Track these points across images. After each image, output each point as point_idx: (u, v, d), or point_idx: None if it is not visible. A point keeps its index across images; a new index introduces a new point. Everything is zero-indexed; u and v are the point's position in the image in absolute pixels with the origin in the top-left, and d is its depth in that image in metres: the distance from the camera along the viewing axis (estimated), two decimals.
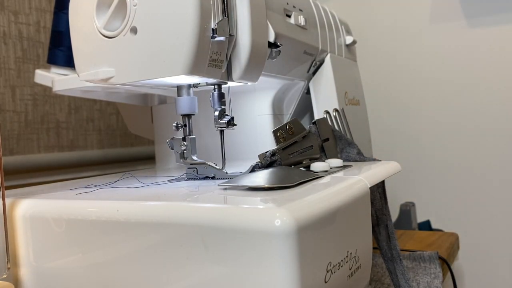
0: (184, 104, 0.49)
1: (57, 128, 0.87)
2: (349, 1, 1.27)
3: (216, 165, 0.50)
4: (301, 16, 0.59)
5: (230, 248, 0.32)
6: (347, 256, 0.38)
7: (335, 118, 0.64)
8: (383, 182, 0.53)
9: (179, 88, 0.50)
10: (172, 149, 0.51)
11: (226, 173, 0.49)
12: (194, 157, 0.51)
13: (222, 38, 0.44)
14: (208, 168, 0.50)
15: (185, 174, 0.52)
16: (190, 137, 0.50)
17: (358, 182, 0.43)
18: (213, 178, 0.50)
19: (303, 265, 0.31)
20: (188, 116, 0.50)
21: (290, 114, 0.68)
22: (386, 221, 0.53)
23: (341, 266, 0.37)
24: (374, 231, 0.53)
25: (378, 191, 0.53)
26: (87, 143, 0.93)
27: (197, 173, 0.50)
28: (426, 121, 1.18)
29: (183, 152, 0.50)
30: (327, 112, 0.63)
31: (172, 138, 0.51)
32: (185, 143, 0.50)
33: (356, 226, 0.41)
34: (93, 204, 0.41)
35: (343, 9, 1.21)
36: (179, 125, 0.50)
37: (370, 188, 0.44)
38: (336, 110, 0.65)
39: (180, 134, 0.51)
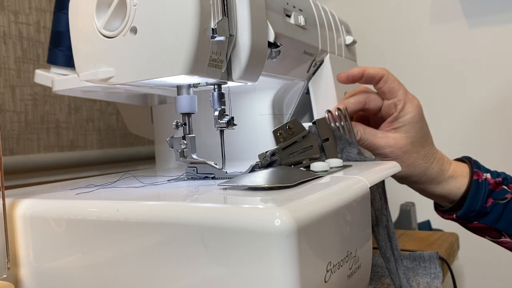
0: (184, 102, 0.49)
1: (57, 128, 0.87)
2: (349, 1, 1.27)
3: (216, 164, 0.50)
4: (301, 16, 0.59)
5: (230, 248, 0.32)
6: (347, 256, 0.39)
7: (338, 118, 0.64)
8: (383, 182, 0.53)
9: (179, 88, 0.50)
10: (172, 147, 0.51)
11: (226, 172, 0.49)
12: (194, 156, 0.51)
13: (222, 38, 0.44)
14: (208, 167, 0.50)
15: (185, 174, 0.52)
16: (190, 135, 0.50)
17: (358, 182, 0.43)
18: (213, 178, 0.50)
19: (303, 265, 0.31)
20: (188, 114, 0.50)
21: (290, 114, 0.68)
22: (385, 221, 0.53)
23: (341, 266, 0.37)
24: (373, 231, 0.53)
25: (378, 191, 0.53)
26: (87, 143, 0.93)
27: (197, 172, 0.50)
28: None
29: (183, 150, 0.50)
30: (329, 111, 0.63)
31: (172, 137, 0.51)
32: (185, 142, 0.50)
33: (356, 226, 0.41)
34: (93, 204, 0.41)
35: (343, 9, 1.21)
36: (179, 123, 0.50)
37: (370, 188, 0.44)
38: (338, 109, 0.65)
39: (180, 133, 0.51)
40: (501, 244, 0.65)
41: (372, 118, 0.68)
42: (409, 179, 0.65)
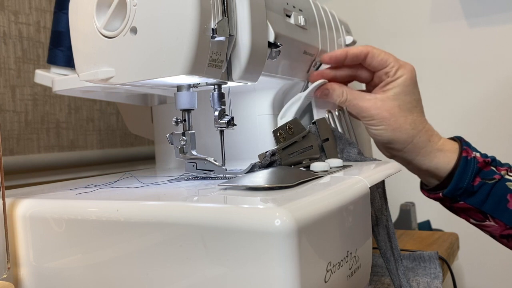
0: (184, 99, 0.49)
1: (57, 128, 0.87)
2: (349, 1, 1.27)
3: (215, 161, 0.50)
4: (301, 16, 0.59)
5: (230, 248, 0.32)
6: (347, 256, 0.39)
7: (338, 118, 0.64)
8: (383, 182, 0.53)
9: (179, 88, 0.50)
10: (172, 144, 0.51)
11: (226, 169, 0.49)
12: (194, 152, 0.51)
13: (222, 38, 0.44)
14: (207, 163, 0.50)
15: (185, 174, 0.52)
16: (189, 132, 0.50)
17: (358, 182, 0.43)
18: (212, 178, 0.50)
19: (303, 265, 0.31)
20: (188, 111, 0.50)
21: None
22: (385, 222, 0.53)
23: (341, 266, 0.37)
24: (373, 231, 0.53)
25: (378, 191, 0.53)
26: (87, 143, 0.93)
27: (196, 168, 0.51)
28: None
29: (183, 147, 0.50)
30: (330, 111, 0.63)
31: (172, 133, 0.51)
32: (185, 138, 0.50)
33: (356, 226, 0.41)
34: (93, 204, 0.41)
35: (343, 9, 1.21)
36: (179, 120, 0.50)
37: (370, 188, 0.44)
38: (339, 109, 0.65)
39: (179, 129, 0.51)
40: (484, 228, 0.64)
41: (366, 88, 0.67)
42: (394, 144, 0.63)
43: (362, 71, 0.65)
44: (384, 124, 0.61)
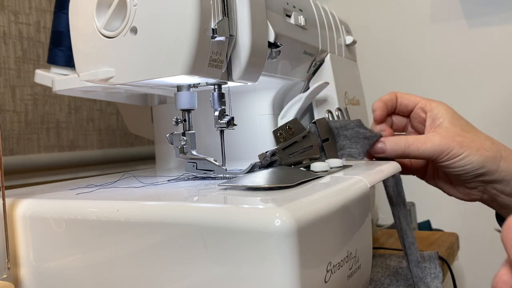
0: (184, 99, 0.49)
1: (57, 128, 0.87)
2: (349, 1, 1.27)
3: (215, 161, 0.50)
4: (301, 16, 0.59)
5: (230, 248, 0.32)
6: (347, 256, 0.39)
7: (337, 118, 0.63)
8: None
9: (179, 88, 0.50)
10: (172, 144, 0.51)
11: (226, 169, 0.49)
12: (194, 152, 0.51)
13: (222, 38, 0.44)
14: (207, 163, 0.50)
15: (185, 174, 0.52)
16: (189, 132, 0.50)
17: (358, 182, 0.43)
18: (212, 178, 0.50)
19: (303, 265, 0.31)
20: (188, 111, 0.50)
21: None
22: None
23: (341, 266, 0.37)
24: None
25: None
26: (87, 143, 0.93)
27: (196, 168, 0.51)
28: None
29: (183, 147, 0.50)
30: (329, 111, 0.62)
31: (172, 133, 0.51)
32: (185, 138, 0.50)
33: (356, 226, 0.41)
34: (93, 204, 0.41)
35: (343, 9, 1.21)
36: (179, 120, 0.50)
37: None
38: (339, 109, 0.65)
39: (179, 129, 0.51)
40: None
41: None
42: (487, 168, 0.53)
43: (396, 118, 0.61)
44: (465, 149, 0.53)
